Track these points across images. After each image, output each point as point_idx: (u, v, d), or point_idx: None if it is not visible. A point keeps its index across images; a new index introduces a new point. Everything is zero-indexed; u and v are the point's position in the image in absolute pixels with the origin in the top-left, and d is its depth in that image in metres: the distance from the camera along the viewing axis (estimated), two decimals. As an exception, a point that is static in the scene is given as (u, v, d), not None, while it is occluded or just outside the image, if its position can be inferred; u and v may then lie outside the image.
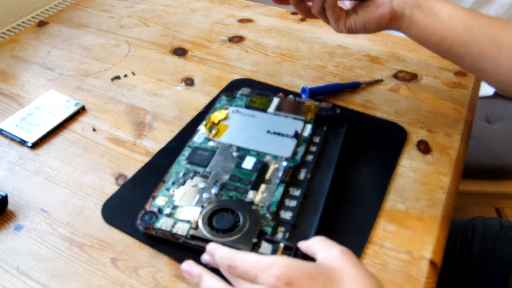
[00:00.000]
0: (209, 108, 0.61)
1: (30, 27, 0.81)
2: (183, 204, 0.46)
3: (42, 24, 0.82)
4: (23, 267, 0.43)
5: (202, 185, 0.48)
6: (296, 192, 0.47)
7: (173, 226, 0.44)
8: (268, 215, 0.44)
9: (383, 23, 0.49)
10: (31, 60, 0.73)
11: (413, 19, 0.48)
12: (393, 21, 0.49)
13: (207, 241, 0.42)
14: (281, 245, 0.41)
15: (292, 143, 0.52)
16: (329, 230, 0.45)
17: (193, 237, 0.43)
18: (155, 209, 0.46)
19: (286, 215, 0.45)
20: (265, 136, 0.53)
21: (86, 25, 0.81)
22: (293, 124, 0.54)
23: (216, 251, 0.38)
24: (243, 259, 0.35)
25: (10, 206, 0.49)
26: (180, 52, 0.73)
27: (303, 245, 0.39)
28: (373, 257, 0.43)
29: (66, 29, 0.80)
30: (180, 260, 0.43)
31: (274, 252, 0.41)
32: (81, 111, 0.62)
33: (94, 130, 0.59)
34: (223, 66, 0.70)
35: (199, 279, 0.37)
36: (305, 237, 0.43)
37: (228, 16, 0.83)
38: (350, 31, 0.51)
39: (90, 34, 0.79)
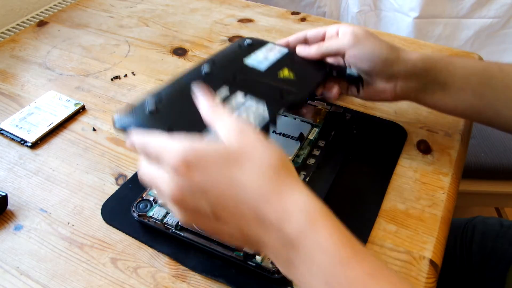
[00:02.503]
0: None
1: (30, 27, 0.81)
2: None
3: (42, 24, 0.82)
4: (23, 267, 0.43)
5: None
6: None
7: (164, 216, 0.45)
8: None
9: (388, 101, 0.53)
10: (31, 60, 0.73)
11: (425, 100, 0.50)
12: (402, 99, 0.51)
13: (196, 233, 0.43)
14: None
15: (295, 145, 0.52)
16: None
17: (182, 229, 0.44)
18: (151, 198, 0.47)
19: None
20: (270, 136, 0.53)
21: (86, 25, 0.81)
22: (300, 126, 0.54)
23: (134, 139, 0.35)
24: (150, 142, 0.34)
25: (10, 206, 0.49)
26: (180, 52, 0.73)
27: (205, 113, 0.36)
28: (373, 257, 0.43)
29: (66, 29, 0.80)
30: (180, 260, 0.43)
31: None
32: (81, 111, 0.62)
33: (94, 130, 0.59)
34: (223, 66, 0.70)
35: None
36: None
37: (228, 16, 0.83)
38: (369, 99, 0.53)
39: (90, 34, 0.79)
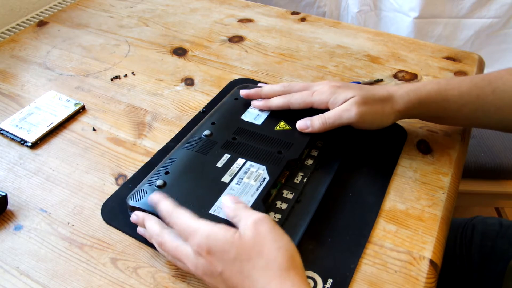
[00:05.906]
0: (209, 108, 0.61)
1: (30, 27, 0.81)
2: None
3: (42, 24, 0.82)
4: (23, 267, 0.43)
5: None
6: (289, 195, 0.47)
7: None
8: None
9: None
10: (31, 60, 0.73)
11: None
12: None
13: None
14: None
15: None
16: (328, 230, 0.45)
17: None
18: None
19: (275, 217, 0.45)
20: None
21: (86, 25, 0.81)
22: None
23: (159, 205, 0.41)
24: (178, 219, 0.39)
25: (10, 206, 0.49)
26: (180, 52, 0.73)
27: (228, 214, 0.40)
28: (373, 257, 0.43)
29: (66, 29, 0.80)
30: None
31: None
32: (81, 111, 0.62)
33: (94, 130, 0.59)
34: (223, 66, 0.70)
35: (144, 223, 0.42)
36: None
37: (228, 16, 0.83)
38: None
39: (90, 34, 0.79)
